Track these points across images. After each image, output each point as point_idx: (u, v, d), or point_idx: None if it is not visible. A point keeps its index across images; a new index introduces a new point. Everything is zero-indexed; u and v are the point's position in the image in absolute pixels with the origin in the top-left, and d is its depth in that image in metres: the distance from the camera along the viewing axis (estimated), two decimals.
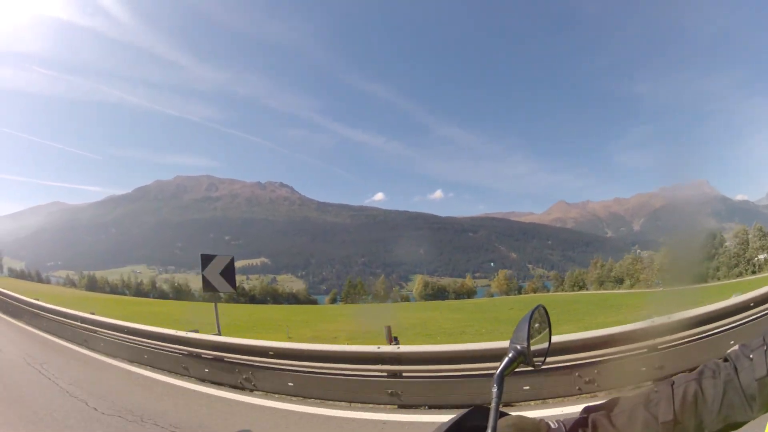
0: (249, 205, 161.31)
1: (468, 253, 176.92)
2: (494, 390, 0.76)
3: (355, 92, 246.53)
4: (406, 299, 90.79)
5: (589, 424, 0.79)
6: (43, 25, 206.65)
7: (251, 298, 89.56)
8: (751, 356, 0.77)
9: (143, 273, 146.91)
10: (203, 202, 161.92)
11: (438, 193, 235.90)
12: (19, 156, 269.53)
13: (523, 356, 0.84)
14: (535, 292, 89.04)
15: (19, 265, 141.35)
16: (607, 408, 0.81)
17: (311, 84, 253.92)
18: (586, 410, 0.82)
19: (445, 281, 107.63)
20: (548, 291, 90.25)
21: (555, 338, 4.00)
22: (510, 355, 0.84)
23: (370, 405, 5.04)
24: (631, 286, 73.14)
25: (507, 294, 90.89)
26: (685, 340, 4.90)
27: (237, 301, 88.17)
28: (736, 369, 0.78)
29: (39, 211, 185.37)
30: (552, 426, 0.79)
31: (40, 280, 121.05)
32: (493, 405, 0.74)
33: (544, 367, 0.97)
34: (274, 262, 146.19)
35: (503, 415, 0.79)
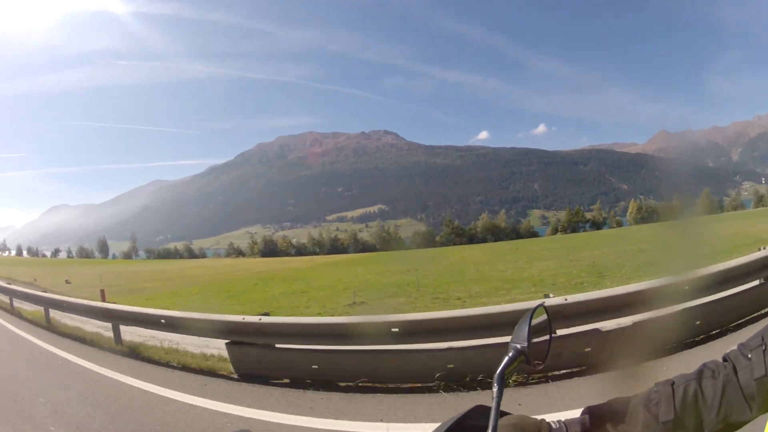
0: (356, 156, 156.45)
1: (581, 186, 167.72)
2: (495, 389, 0.75)
3: (444, 33, 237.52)
4: (620, 224, 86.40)
5: (590, 424, 0.78)
6: (112, 21, 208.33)
7: (470, 238, 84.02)
8: (749, 356, 0.76)
9: (259, 233, 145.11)
10: (309, 158, 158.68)
11: (541, 128, 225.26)
12: (113, 146, 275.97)
13: (523, 356, 0.82)
14: (735, 209, 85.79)
15: (126, 245, 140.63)
16: (608, 408, 0.80)
17: (400, 31, 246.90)
18: (587, 410, 0.81)
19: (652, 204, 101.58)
20: (746, 208, 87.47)
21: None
22: (510, 354, 0.82)
23: None
24: None
25: (710, 213, 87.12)
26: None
27: (447, 244, 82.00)
28: (735, 369, 0.77)
29: (139, 192, 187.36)
30: (553, 426, 0.78)
31: (192, 256, 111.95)
32: (493, 404, 0.72)
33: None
34: (392, 209, 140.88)
35: (504, 414, 0.77)
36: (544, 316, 0.95)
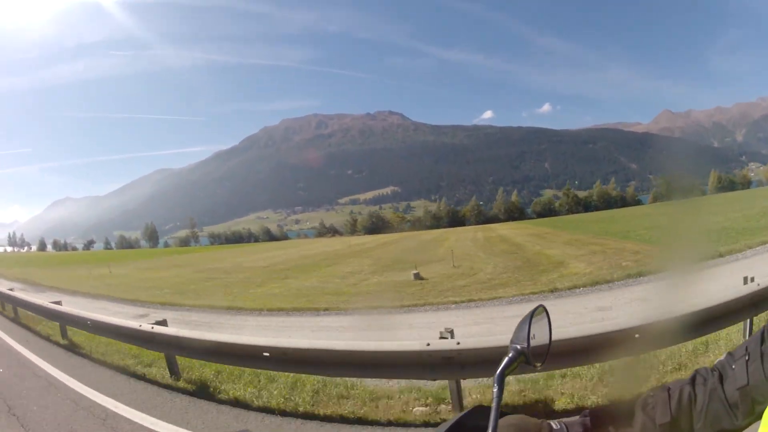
0: (363, 137, 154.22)
1: (591, 164, 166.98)
2: (495, 390, 0.75)
3: (444, 10, 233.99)
4: (704, 193, 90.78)
5: (591, 425, 0.80)
6: (108, 10, 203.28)
7: (586, 207, 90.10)
8: (733, 366, 0.78)
9: (270, 218, 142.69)
10: (315, 140, 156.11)
11: (546, 107, 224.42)
12: (115, 136, 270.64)
13: (523, 356, 0.82)
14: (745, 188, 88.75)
15: (134, 235, 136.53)
16: (607, 411, 0.82)
17: (400, 8, 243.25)
18: (588, 412, 0.82)
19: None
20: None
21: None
22: (510, 354, 0.82)
23: None
24: None
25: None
26: None
27: (566, 213, 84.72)
28: (721, 377, 0.79)
29: (144, 181, 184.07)
30: (554, 426, 0.79)
31: (271, 238, 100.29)
32: (493, 405, 0.72)
33: None
34: (404, 189, 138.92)
35: (504, 415, 0.77)
36: (544, 317, 0.94)
